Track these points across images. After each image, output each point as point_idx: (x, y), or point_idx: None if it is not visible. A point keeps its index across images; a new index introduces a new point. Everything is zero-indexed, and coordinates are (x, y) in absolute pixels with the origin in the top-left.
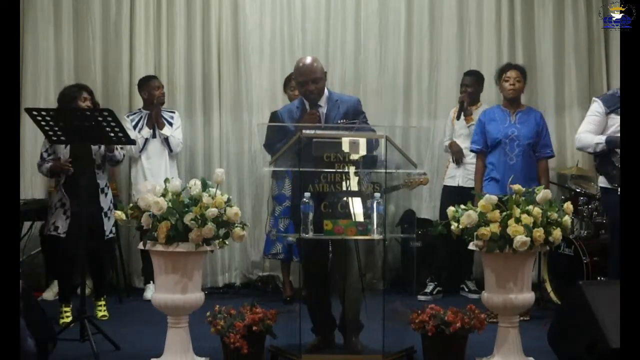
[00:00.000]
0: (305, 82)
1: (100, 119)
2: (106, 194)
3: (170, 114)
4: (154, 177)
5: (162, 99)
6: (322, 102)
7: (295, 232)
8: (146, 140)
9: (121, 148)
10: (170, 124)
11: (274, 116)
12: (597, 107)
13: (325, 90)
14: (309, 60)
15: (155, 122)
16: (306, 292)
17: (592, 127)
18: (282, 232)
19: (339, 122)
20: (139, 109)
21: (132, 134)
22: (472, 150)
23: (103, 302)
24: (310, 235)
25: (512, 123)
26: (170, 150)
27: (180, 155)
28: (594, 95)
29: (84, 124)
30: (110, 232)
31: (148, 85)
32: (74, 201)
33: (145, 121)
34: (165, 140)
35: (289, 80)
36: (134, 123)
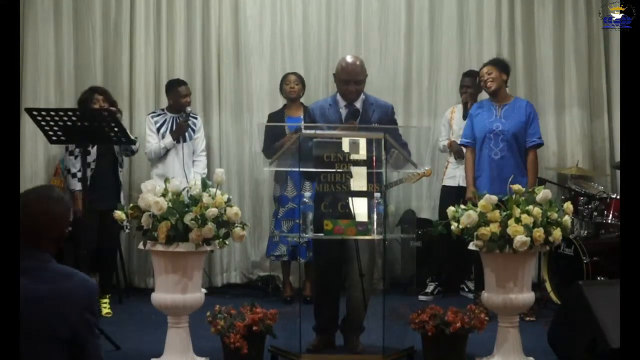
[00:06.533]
0: (347, 82)
1: (99, 119)
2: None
3: (193, 119)
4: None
5: (188, 109)
6: (358, 103)
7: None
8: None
9: (135, 138)
10: (193, 130)
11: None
12: None
13: None
14: (353, 59)
15: (181, 135)
16: (314, 290)
17: None
18: (286, 234)
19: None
20: (163, 110)
21: (154, 138)
22: (461, 144)
23: (107, 300)
24: (310, 235)
25: (497, 117)
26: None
27: None
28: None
29: (84, 124)
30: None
31: (175, 91)
32: (95, 199)
33: (170, 128)
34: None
35: (284, 79)
36: (157, 125)
